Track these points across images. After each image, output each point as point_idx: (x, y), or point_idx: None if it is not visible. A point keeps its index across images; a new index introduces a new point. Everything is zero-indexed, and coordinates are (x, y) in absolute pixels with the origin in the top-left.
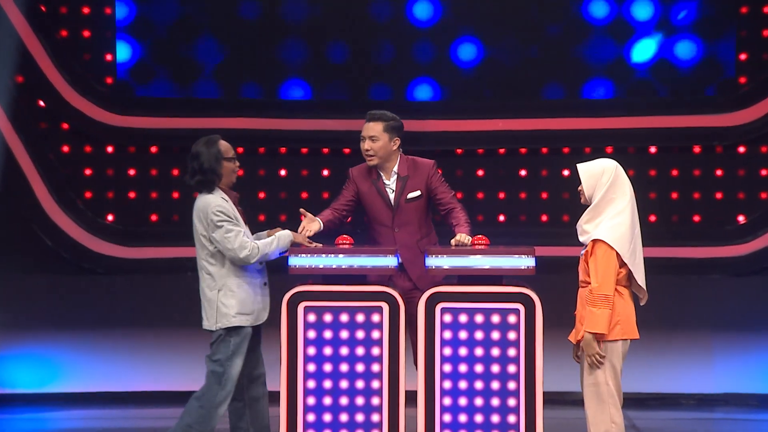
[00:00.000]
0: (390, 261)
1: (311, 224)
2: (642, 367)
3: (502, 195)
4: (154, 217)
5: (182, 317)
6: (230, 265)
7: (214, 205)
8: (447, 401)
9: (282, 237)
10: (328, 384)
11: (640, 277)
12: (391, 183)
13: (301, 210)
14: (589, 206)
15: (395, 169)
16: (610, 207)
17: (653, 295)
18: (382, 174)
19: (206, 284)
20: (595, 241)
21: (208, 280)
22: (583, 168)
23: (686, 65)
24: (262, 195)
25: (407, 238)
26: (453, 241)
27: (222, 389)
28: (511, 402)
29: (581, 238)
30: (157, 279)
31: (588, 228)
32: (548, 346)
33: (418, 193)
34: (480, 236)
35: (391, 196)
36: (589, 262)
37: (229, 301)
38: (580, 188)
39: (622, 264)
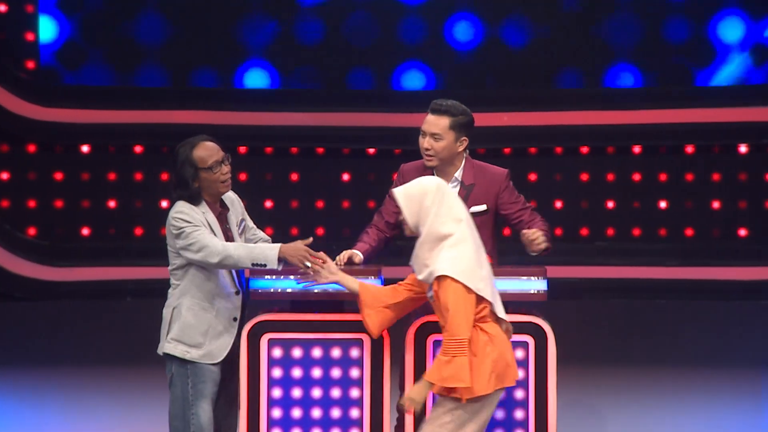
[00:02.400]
0: (374, 282)
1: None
2: (674, 411)
3: None
4: (85, 231)
5: (123, 352)
6: (190, 282)
7: (175, 210)
8: None
9: (264, 249)
10: None
11: (500, 309)
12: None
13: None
14: (417, 238)
15: (458, 174)
16: (442, 232)
17: (684, 325)
18: (440, 178)
19: (165, 303)
20: (438, 277)
21: (168, 298)
22: (400, 192)
23: (729, 47)
24: None
25: None
26: (523, 233)
27: None
28: None
29: (420, 276)
30: (90, 306)
31: (427, 262)
32: (562, 387)
33: (483, 207)
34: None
35: None
36: (439, 305)
37: (173, 324)
38: (401, 217)
39: (480, 299)
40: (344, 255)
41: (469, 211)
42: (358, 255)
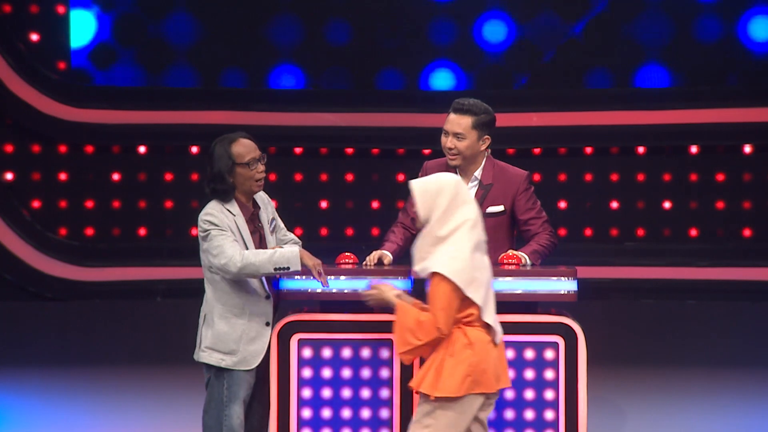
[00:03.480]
0: (401, 284)
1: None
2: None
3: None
4: (116, 232)
5: (153, 353)
6: (220, 289)
7: (204, 212)
8: None
9: (284, 252)
10: None
11: (490, 315)
12: (469, 189)
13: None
14: (424, 230)
15: (478, 173)
16: (445, 231)
17: (714, 325)
18: (461, 176)
19: (201, 307)
20: (432, 273)
21: (203, 304)
22: (417, 185)
23: (763, 46)
24: None
25: None
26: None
27: None
28: None
29: (416, 268)
30: (121, 306)
31: (422, 257)
32: (592, 388)
33: (500, 208)
34: (510, 253)
35: None
36: (428, 297)
37: (206, 331)
38: (414, 209)
39: (468, 301)
40: (374, 256)
41: (486, 212)
42: (387, 256)
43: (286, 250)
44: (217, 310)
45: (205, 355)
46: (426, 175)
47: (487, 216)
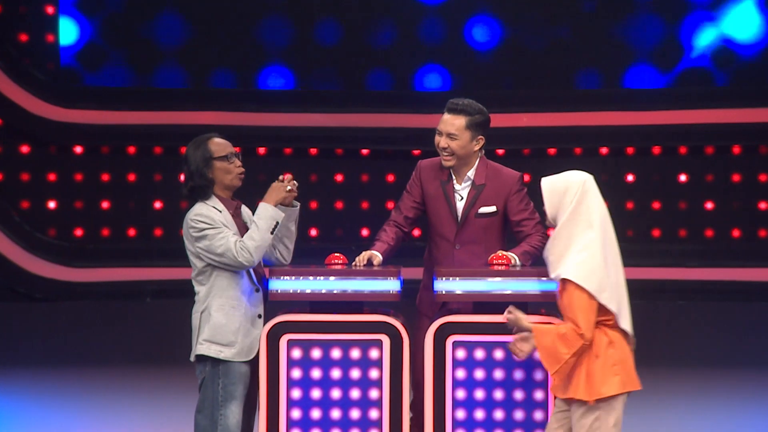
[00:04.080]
0: (392, 285)
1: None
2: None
3: None
4: (105, 232)
5: (142, 354)
6: (216, 284)
7: (194, 213)
8: None
9: (261, 215)
10: None
11: (626, 319)
12: (462, 189)
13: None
14: (554, 231)
15: (471, 173)
16: (575, 233)
17: (702, 326)
18: (453, 176)
19: (193, 310)
20: (563, 280)
21: (195, 304)
22: (546, 183)
23: (751, 49)
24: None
25: (469, 259)
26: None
27: None
28: None
29: (551, 273)
30: (110, 307)
31: (554, 261)
32: None
33: (493, 208)
34: (500, 254)
35: (459, 205)
36: (563, 305)
37: (203, 326)
38: (544, 207)
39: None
40: (363, 257)
41: (478, 212)
42: (377, 256)
43: (261, 212)
44: (215, 304)
45: (203, 347)
46: (419, 174)
47: (479, 216)
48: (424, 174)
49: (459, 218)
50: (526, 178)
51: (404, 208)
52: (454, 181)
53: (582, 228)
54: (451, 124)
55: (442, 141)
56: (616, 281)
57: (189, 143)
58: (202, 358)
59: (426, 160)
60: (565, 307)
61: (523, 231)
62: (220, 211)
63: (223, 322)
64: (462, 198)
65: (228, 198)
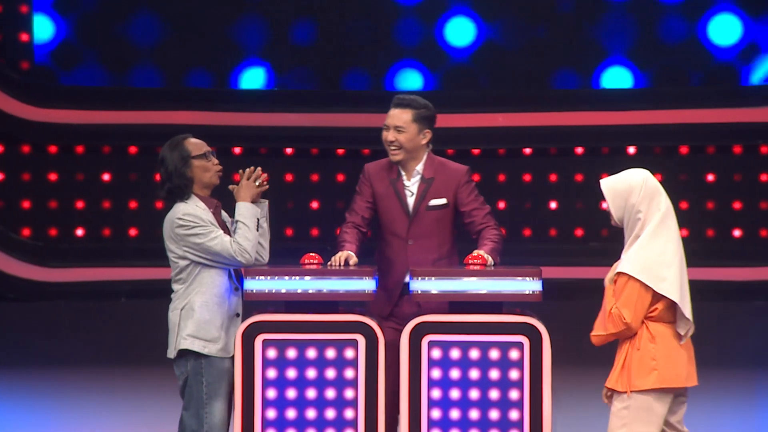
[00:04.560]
0: (367, 285)
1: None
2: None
3: (502, 204)
4: (80, 232)
5: (117, 354)
6: (198, 281)
7: (180, 212)
8: None
9: (242, 213)
10: None
11: (687, 308)
12: (411, 185)
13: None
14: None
15: (419, 167)
16: (639, 230)
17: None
18: (402, 173)
19: (170, 308)
20: (618, 273)
21: (172, 303)
22: (607, 185)
23: (724, 49)
24: None
25: (421, 254)
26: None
27: None
28: None
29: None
30: (85, 307)
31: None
32: (557, 388)
33: (443, 201)
34: (475, 254)
35: (410, 200)
36: (615, 292)
37: (185, 322)
38: (606, 206)
39: (657, 296)
40: (340, 257)
41: (429, 204)
42: (353, 257)
43: (244, 212)
44: (198, 300)
45: (187, 342)
46: (367, 177)
47: (430, 209)
48: (373, 175)
49: (410, 213)
50: (502, 178)
51: (359, 209)
52: (404, 178)
53: (644, 222)
54: (399, 117)
55: (390, 135)
56: (677, 271)
57: (164, 145)
58: (183, 354)
59: (371, 163)
60: (616, 296)
61: (474, 221)
62: (204, 210)
63: (208, 318)
64: (412, 193)
65: (207, 196)
